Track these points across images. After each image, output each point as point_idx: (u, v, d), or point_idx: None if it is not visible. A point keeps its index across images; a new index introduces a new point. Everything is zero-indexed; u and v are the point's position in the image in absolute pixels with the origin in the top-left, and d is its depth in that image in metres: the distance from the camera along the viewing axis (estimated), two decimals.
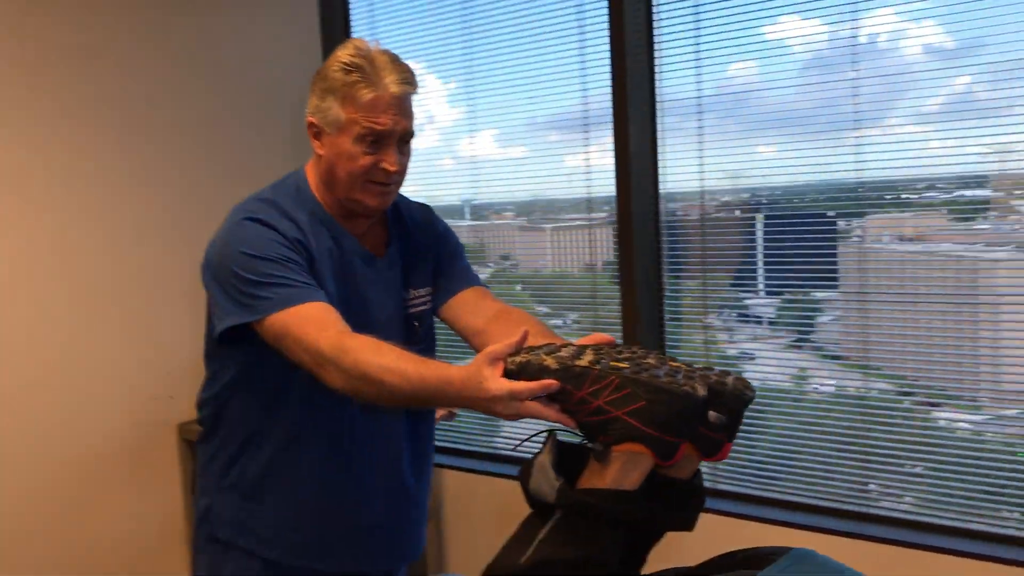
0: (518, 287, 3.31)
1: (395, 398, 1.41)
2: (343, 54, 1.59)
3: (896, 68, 2.45)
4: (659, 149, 2.80)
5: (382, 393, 1.40)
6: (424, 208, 1.89)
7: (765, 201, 2.73)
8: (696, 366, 1.35)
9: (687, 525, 1.36)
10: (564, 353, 1.30)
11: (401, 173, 1.64)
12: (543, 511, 1.32)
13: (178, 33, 3.15)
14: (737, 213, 2.80)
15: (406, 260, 1.77)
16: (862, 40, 2.48)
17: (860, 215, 2.65)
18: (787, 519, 2.62)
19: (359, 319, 1.60)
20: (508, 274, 3.39)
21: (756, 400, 2.63)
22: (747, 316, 2.87)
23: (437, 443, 2.03)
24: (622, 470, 1.27)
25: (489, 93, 3.21)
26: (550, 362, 1.28)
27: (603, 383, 1.25)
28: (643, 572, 1.38)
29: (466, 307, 1.80)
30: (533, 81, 3.09)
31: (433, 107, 3.41)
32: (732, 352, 2.89)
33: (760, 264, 2.76)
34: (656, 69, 2.77)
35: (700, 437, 1.31)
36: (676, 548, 1.47)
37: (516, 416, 1.28)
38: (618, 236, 2.81)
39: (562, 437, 1.37)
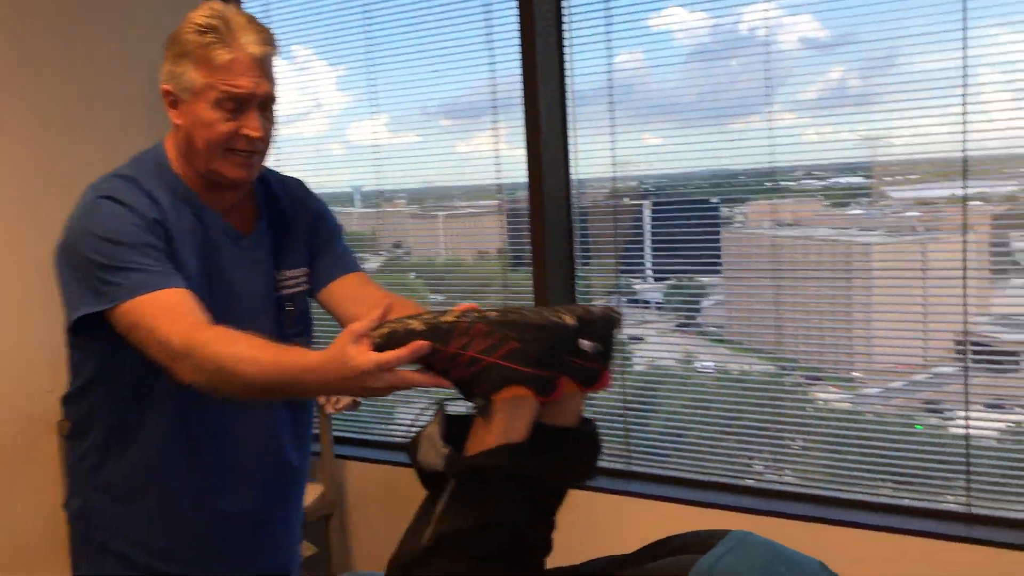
0: (412, 275, 3.30)
1: (254, 389, 1.35)
2: (197, 15, 1.50)
3: (775, 59, 2.55)
4: (569, 136, 2.84)
5: (239, 385, 1.34)
6: (298, 183, 1.80)
7: (652, 188, 2.80)
8: (559, 305, 1.36)
9: (583, 476, 1.36)
10: (429, 316, 1.29)
11: (265, 141, 1.55)
12: (436, 485, 1.30)
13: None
14: (625, 200, 2.86)
15: (277, 238, 1.68)
16: (743, 31, 2.57)
17: (742, 201, 2.76)
18: (679, 496, 2.70)
19: (225, 301, 1.55)
20: (401, 262, 3.37)
21: (647, 381, 2.70)
22: (636, 300, 2.94)
23: (337, 434, 2.00)
24: (506, 421, 1.26)
25: (382, 78, 3.18)
26: (416, 324, 1.26)
27: (472, 332, 1.25)
28: (575, 561, 1.36)
29: (347, 295, 1.72)
30: (428, 66, 3.07)
31: (323, 92, 3.35)
32: (621, 335, 2.96)
33: (648, 250, 2.83)
34: (565, 56, 2.80)
35: (577, 369, 1.31)
36: (579, 529, 1.48)
37: (389, 388, 1.25)
38: (531, 223, 2.80)
39: (451, 412, 1.36)
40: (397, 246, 3.38)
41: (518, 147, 2.90)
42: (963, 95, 2.25)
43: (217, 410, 1.59)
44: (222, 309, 1.49)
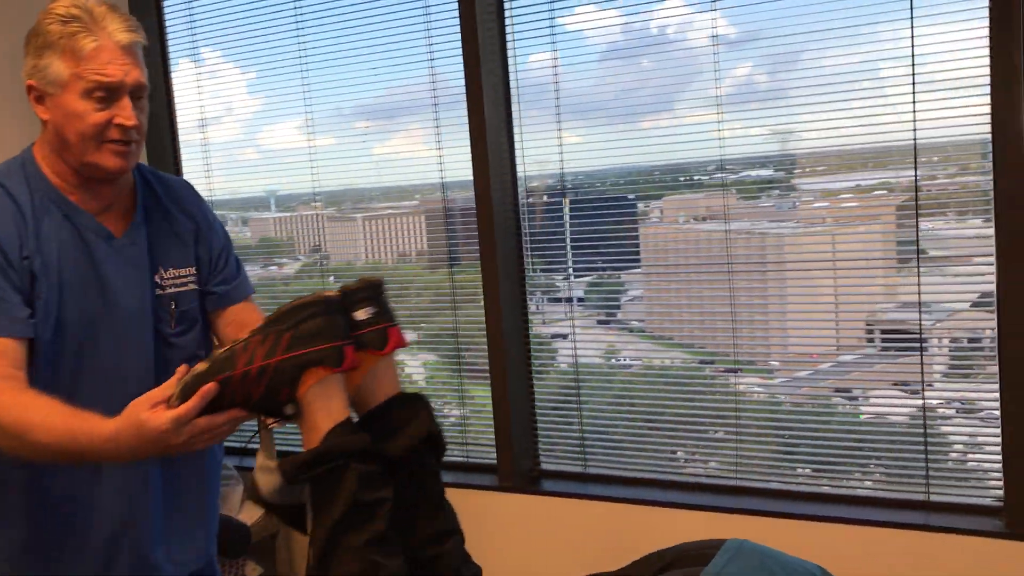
0: (331, 279, 3.26)
1: (47, 455, 1.33)
2: (58, 6, 1.45)
3: (686, 57, 2.60)
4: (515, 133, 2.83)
5: (31, 450, 1.32)
6: (183, 184, 1.75)
7: (570, 186, 2.82)
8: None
9: (419, 433, 1.34)
10: (215, 353, 1.30)
11: (139, 130, 1.49)
12: (300, 513, 1.29)
13: None
14: (545, 198, 2.87)
15: (157, 237, 1.63)
16: (653, 31, 2.61)
17: (658, 197, 2.80)
18: (607, 494, 2.72)
19: (103, 303, 1.52)
20: (319, 267, 3.33)
21: (573, 377, 2.70)
22: (558, 297, 2.95)
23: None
24: (321, 407, 1.26)
25: (294, 81, 3.13)
26: (201, 367, 1.27)
27: (250, 346, 1.26)
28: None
29: (235, 319, 1.71)
30: (341, 69, 3.04)
31: (233, 97, 3.29)
32: (546, 332, 2.97)
33: (568, 247, 2.85)
34: (510, 55, 2.79)
35: (363, 338, 1.34)
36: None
37: (192, 442, 1.25)
38: (478, 222, 2.77)
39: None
40: (315, 250, 3.34)
41: (437, 148, 2.89)
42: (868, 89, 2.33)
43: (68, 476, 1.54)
44: (101, 310, 1.48)
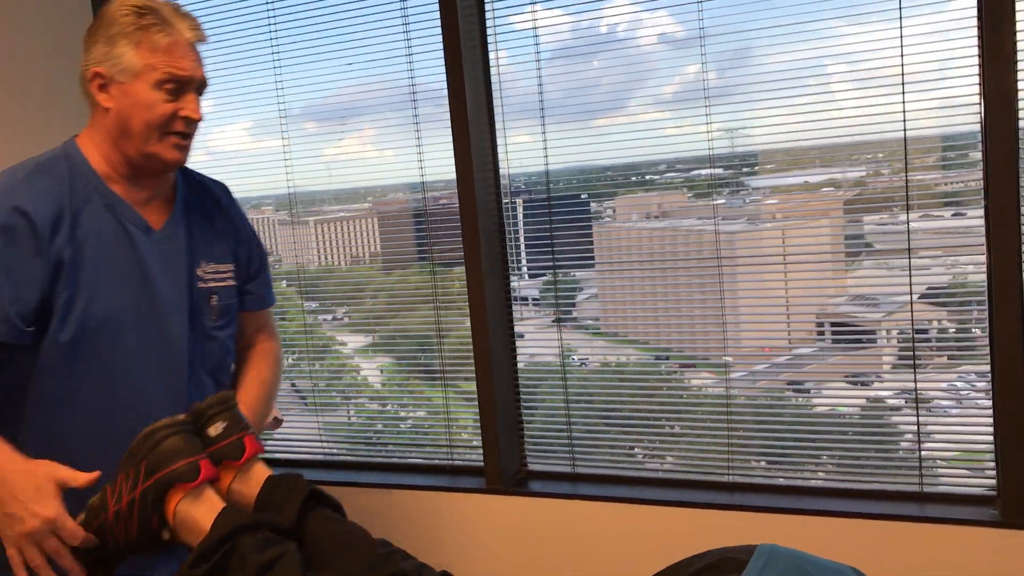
0: (283, 284, 3.22)
1: None
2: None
3: (636, 57, 2.61)
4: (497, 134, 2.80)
5: None
6: (222, 186, 1.80)
7: (524, 186, 2.82)
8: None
9: (297, 492, 1.36)
10: (89, 501, 1.34)
11: (197, 125, 1.56)
12: None
13: None
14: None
15: (196, 232, 1.66)
16: (603, 30, 2.62)
17: (611, 196, 2.81)
18: (565, 492, 2.73)
19: (146, 294, 1.54)
20: (272, 271, 3.29)
21: (528, 377, 2.70)
22: (514, 297, 2.95)
23: (272, 456, 1.95)
24: (194, 514, 1.29)
25: (242, 83, 3.10)
26: (81, 516, 1.32)
27: (117, 485, 1.31)
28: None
29: (248, 322, 1.80)
30: (289, 71, 3.01)
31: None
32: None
33: (522, 247, 2.85)
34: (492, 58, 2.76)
35: (220, 452, 1.39)
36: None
37: (21, 543, 1.26)
38: (461, 220, 2.74)
39: None
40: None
41: (382, 150, 2.88)
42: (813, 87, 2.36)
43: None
44: (137, 302, 1.51)
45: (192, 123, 1.53)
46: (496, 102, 2.76)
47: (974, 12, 2.17)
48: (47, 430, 1.52)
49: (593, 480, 2.77)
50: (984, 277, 2.25)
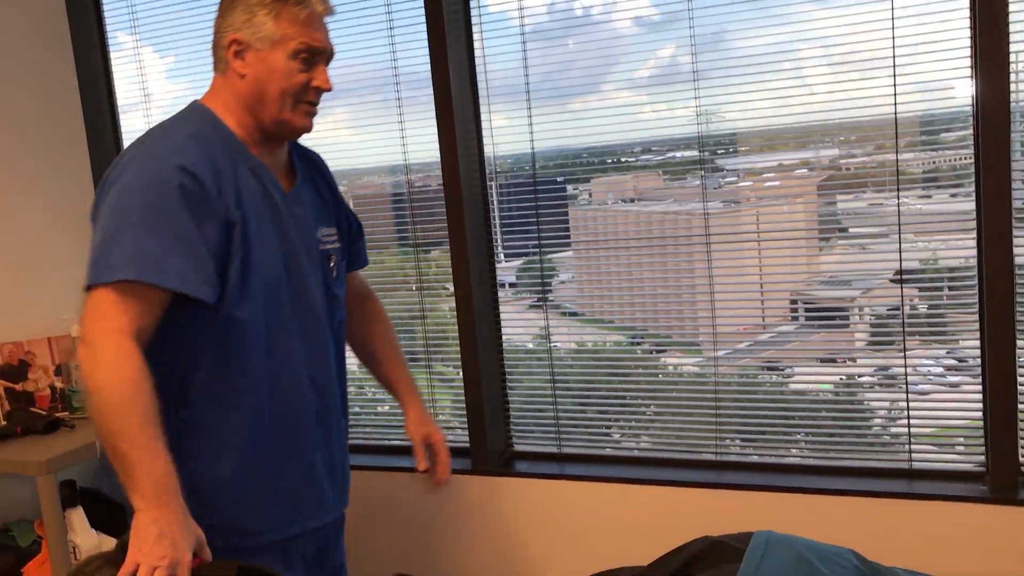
0: None
1: (103, 434, 1.35)
2: None
3: (610, 38, 2.61)
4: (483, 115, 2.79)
5: (99, 420, 1.35)
6: (318, 155, 1.87)
7: (499, 169, 2.82)
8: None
9: None
10: None
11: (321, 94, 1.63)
12: None
13: None
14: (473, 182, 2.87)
15: (311, 197, 1.74)
16: (577, 13, 2.61)
17: (586, 179, 2.81)
18: (551, 472, 2.75)
19: (292, 258, 1.61)
20: None
21: (507, 360, 2.71)
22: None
23: None
24: None
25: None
26: None
27: None
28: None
29: (354, 288, 1.92)
30: None
31: (152, 84, 3.21)
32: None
33: (498, 230, 2.86)
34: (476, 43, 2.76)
35: None
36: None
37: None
38: (447, 202, 2.74)
39: None
40: None
41: (357, 133, 2.87)
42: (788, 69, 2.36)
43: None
44: (292, 265, 1.59)
45: (322, 92, 1.60)
46: (480, 83, 2.76)
47: None
48: (218, 392, 1.56)
49: (580, 460, 2.78)
50: (975, 256, 2.27)
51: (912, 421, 2.42)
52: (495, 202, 2.83)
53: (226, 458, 1.58)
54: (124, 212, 1.43)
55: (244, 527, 1.63)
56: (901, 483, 2.39)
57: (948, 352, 2.44)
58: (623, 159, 2.72)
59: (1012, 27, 2.13)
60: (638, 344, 2.84)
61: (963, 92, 2.23)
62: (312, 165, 1.80)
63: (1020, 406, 2.25)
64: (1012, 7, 2.12)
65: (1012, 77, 2.14)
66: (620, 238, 2.81)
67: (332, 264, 1.75)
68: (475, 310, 2.76)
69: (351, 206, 1.97)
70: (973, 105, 2.21)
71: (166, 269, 1.41)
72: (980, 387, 2.32)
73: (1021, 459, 2.27)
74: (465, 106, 2.75)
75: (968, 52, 2.21)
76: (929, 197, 2.39)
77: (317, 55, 1.58)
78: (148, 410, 1.34)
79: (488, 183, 2.81)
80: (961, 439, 2.41)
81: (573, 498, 2.69)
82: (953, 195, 2.35)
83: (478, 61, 2.74)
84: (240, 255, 1.52)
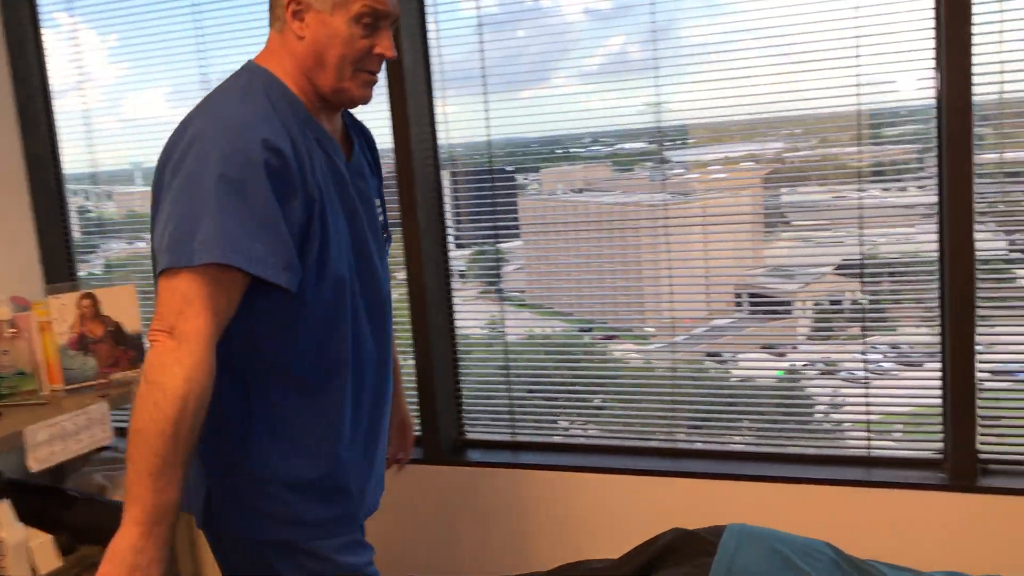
0: None
1: (141, 434, 1.26)
2: None
3: (560, 28, 2.61)
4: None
5: (151, 417, 1.26)
6: (364, 124, 1.75)
7: (449, 158, 2.81)
8: None
9: None
10: None
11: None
12: None
13: None
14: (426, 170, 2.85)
15: (367, 166, 1.64)
16: (528, 2, 2.61)
17: (536, 169, 2.82)
18: (505, 460, 2.76)
19: (358, 231, 1.51)
20: None
21: (458, 350, 2.69)
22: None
23: None
24: None
25: (160, 48, 3.00)
26: None
27: None
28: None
29: None
30: (211, 36, 2.93)
31: (92, 64, 3.12)
32: None
33: (449, 218, 2.85)
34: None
35: None
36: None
37: None
38: (400, 189, 2.70)
39: None
40: None
41: None
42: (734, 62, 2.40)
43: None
44: (358, 238, 1.49)
45: (384, 60, 1.48)
46: (435, 70, 2.74)
47: None
48: (296, 371, 1.47)
49: (533, 448, 2.80)
50: (936, 247, 2.33)
51: (871, 409, 2.47)
52: (447, 190, 2.82)
53: (306, 451, 1.50)
54: (204, 191, 1.30)
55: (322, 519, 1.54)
56: (859, 471, 2.44)
57: (905, 343, 2.50)
58: (572, 149, 2.74)
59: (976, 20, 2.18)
60: (587, 332, 2.86)
61: (924, 86, 2.28)
62: (361, 135, 1.70)
63: (978, 394, 2.32)
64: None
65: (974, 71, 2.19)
66: (570, 228, 2.82)
67: (385, 236, 1.67)
68: (428, 299, 2.75)
69: None
70: (936, 99, 2.26)
71: (252, 254, 1.31)
72: (940, 375, 2.38)
73: (979, 446, 2.34)
74: (419, 93, 2.73)
75: (932, 46, 2.26)
76: (888, 190, 2.44)
77: (381, 19, 1.45)
78: (194, 435, 1.28)
79: (440, 171, 2.80)
80: (920, 427, 2.46)
81: (527, 486, 2.70)
82: (921, 187, 2.40)
83: (432, 48, 2.72)
84: (319, 235, 1.42)
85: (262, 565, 1.50)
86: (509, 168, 2.79)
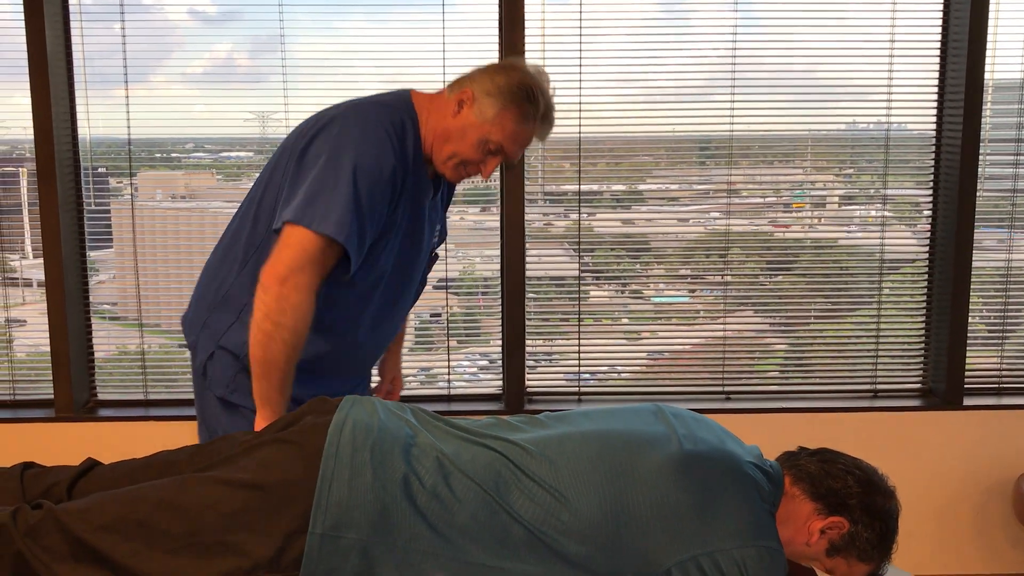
0: None
1: (267, 357, 1.59)
2: (539, 80, 1.70)
3: (163, 27, 2.49)
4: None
5: (275, 348, 1.59)
6: None
7: (28, 154, 2.54)
8: None
9: None
10: None
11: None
12: None
13: None
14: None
15: (439, 200, 1.87)
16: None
17: (133, 173, 2.64)
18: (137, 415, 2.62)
19: (412, 254, 1.77)
20: None
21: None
22: (15, 279, 2.65)
23: None
24: None
25: None
26: None
27: None
28: None
29: None
30: None
31: None
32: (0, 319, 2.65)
33: (27, 222, 2.57)
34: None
35: None
36: None
37: None
38: (39, 189, 2.43)
39: None
40: None
41: None
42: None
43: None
44: (407, 260, 1.77)
45: (475, 176, 1.77)
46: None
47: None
48: (332, 342, 1.74)
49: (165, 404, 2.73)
50: (498, 267, 2.57)
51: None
52: (24, 191, 2.55)
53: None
54: (343, 176, 1.60)
55: None
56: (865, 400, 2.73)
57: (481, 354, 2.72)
58: (173, 154, 2.61)
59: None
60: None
61: None
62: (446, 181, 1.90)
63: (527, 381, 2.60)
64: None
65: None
66: (171, 239, 2.68)
67: (432, 257, 1.93)
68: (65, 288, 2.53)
69: None
70: None
71: (358, 240, 1.62)
72: (501, 385, 2.64)
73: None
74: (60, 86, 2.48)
75: None
76: (467, 212, 2.64)
77: (498, 156, 1.73)
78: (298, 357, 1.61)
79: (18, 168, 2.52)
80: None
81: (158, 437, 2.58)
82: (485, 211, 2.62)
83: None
84: (387, 241, 1.70)
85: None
86: (100, 169, 2.59)
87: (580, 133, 2.52)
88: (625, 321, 2.78)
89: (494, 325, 2.65)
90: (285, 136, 1.76)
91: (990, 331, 2.76)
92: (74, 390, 2.62)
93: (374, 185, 1.62)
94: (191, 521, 1.25)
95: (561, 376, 2.73)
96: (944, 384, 2.66)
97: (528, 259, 2.56)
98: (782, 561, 1.31)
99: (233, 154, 2.62)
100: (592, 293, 2.76)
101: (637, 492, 1.30)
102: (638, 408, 1.51)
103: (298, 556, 1.23)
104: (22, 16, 2.37)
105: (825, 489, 1.39)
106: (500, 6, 2.43)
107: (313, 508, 1.23)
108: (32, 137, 2.40)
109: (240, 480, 1.28)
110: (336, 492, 1.24)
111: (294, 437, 1.34)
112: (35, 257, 2.63)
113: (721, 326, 2.70)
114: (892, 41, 2.56)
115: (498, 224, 2.54)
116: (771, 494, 1.36)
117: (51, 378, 2.59)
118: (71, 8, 2.44)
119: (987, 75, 2.52)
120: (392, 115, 1.69)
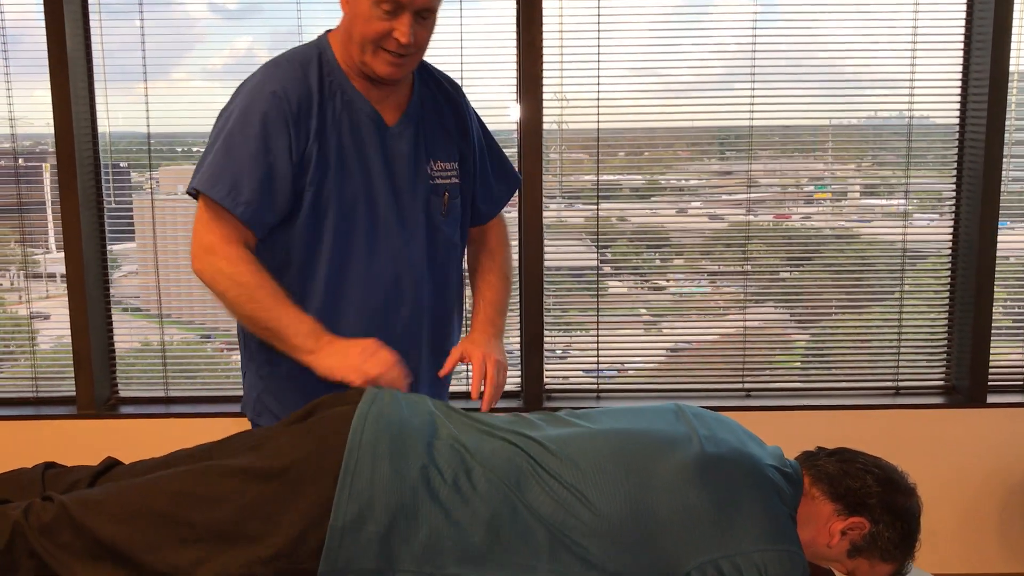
0: None
1: (245, 322, 1.55)
2: None
3: (182, 22, 2.50)
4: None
5: (235, 313, 1.54)
6: (455, 83, 1.81)
7: (51, 149, 2.56)
8: None
9: None
10: None
11: (417, 47, 1.60)
12: None
13: None
14: (20, 162, 2.58)
15: (429, 130, 1.72)
16: None
17: (153, 168, 2.66)
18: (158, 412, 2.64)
19: (363, 186, 1.63)
20: None
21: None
22: (39, 273, 2.68)
23: None
24: None
25: None
26: None
27: None
28: None
29: (480, 243, 1.85)
30: None
31: None
32: (23, 312, 2.68)
33: (50, 217, 2.60)
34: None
35: None
36: None
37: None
38: (60, 184, 2.45)
39: None
40: None
41: None
42: None
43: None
44: (359, 193, 1.62)
45: (401, 45, 1.57)
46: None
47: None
48: (318, 300, 1.64)
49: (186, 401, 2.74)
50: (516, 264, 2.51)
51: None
52: (48, 187, 2.57)
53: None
54: (223, 129, 1.56)
55: None
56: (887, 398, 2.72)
57: None
58: (194, 148, 2.63)
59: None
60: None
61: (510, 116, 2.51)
62: (444, 95, 1.77)
63: None
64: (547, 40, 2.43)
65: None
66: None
67: (445, 199, 1.73)
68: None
69: None
70: (518, 131, 2.49)
71: (225, 188, 1.53)
72: (520, 383, 2.61)
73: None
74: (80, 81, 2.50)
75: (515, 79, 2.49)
76: None
77: (400, 7, 1.55)
78: (272, 286, 1.52)
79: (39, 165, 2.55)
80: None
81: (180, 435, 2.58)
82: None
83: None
84: (315, 184, 1.59)
85: None
86: (122, 164, 2.61)
87: (599, 125, 2.51)
88: (644, 313, 2.77)
89: (512, 322, 2.65)
90: None
91: (1015, 326, 2.73)
92: (96, 387, 2.64)
93: (265, 125, 1.54)
94: (209, 511, 1.25)
95: (580, 372, 2.72)
96: (967, 381, 2.62)
97: (546, 252, 2.55)
98: (802, 564, 1.30)
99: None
100: (611, 288, 2.75)
101: (658, 494, 1.29)
102: (658, 408, 1.49)
103: (316, 547, 1.22)
104: (42, 12, 2.39)
105: (844, 489, 1.38)
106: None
107: (335, 500, 1.23)
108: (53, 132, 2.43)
109: (259, 470, 1.28)
110: (358, 484, 1.24)
111: (315, 429, 1.34)
112: (58, 251, 2.66)
113: (741, 319, 2.69)
114: (915, 30, 2.53)
115: (516, 219, 2.53)
116: (791, 496, 1.35)
117: (73, 375, 2.62)
118: (91, 4, 2.46)
119: (1012, 66, 2.49)
120: (290, 54, 1.64)
